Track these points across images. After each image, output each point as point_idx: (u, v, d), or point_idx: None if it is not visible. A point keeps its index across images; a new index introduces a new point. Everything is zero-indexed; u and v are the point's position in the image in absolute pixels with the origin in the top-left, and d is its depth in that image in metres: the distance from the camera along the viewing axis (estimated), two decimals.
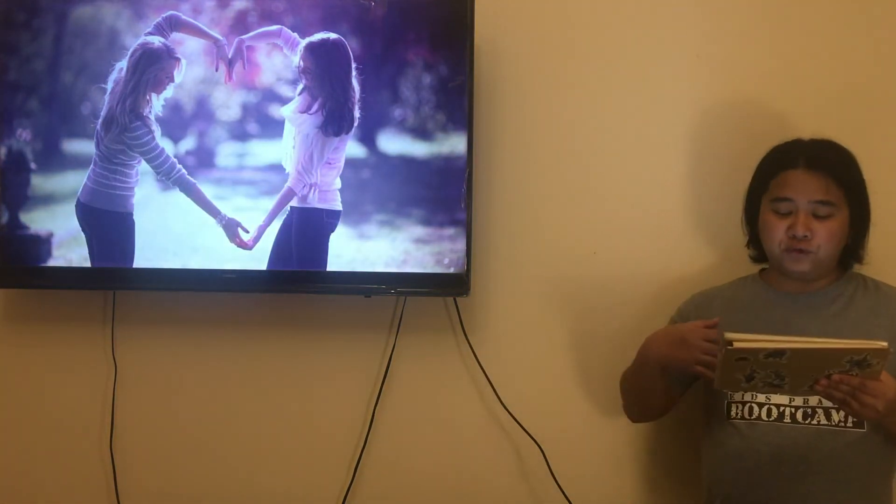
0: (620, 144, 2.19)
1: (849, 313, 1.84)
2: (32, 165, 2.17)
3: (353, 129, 2.09)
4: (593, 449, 2.21)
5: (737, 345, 1.50)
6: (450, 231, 2.09)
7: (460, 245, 2.08)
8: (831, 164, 1.83)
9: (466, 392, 2.24)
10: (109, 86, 2.13)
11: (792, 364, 1.54)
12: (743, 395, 1.82)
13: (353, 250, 2.11)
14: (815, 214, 1.81)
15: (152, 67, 2.11)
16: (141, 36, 2.12)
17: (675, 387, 1.94)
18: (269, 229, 2.12)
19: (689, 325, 1.82)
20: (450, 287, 2.11)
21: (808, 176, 1.82)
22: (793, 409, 1.80)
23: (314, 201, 2.11)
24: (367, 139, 2.10)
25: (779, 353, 1.52)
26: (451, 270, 2.09)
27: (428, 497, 2.25)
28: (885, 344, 1.52)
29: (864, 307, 1.85)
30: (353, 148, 2.10)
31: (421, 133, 2.09)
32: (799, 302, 1.87)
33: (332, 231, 2.11)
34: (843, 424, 1.77)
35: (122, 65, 2.12)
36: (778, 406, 1.81)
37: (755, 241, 1.94)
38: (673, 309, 2.00)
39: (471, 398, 2.23)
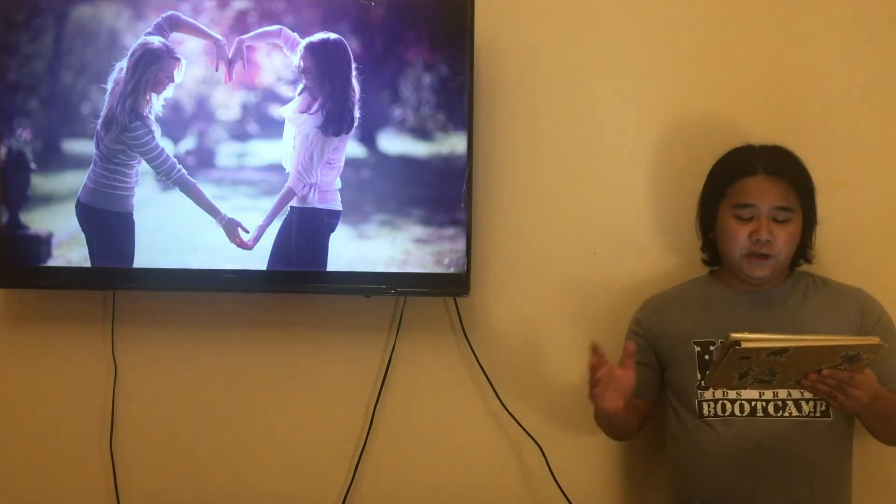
0: (620, 144, 2.20)
1: (805, 309, 1.91)
2: (32, 165, 2.17)
3: (353, 129, 2.09)
4: (593, 449, 2.21)
5: (744, 345, 1.53)
6: (450, 231, 2.09)
7: (460, 245, 2.08)
8: (789, 170, 1.89)
9: (466, 392, 2.24)
10: (109, 86, 2.13)
11: (789, 361, 1.57)
12: (713, 392, 1.88)
13: (353, 250, 2.11)
14: (774, 219, 1.86)
15: (152, 67, 2.11)
16: (141, 36, 2.12)
17: (644, 395, 2.00)
18: (269, 229, 2.12)
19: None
20: (450, 287, 2.11)
21: (769, 182, 1.87)
22: (764, 403, 1.85)
23: (314, 201, 2.11)
24: (367, 139, 2.10)
25: (781, 351, 1.54)
26: (451, 270, 2.09)
27: (428, 497, 2.26)
28: (878, 339, 1.57)
29: (819, 303, 1.92)
30: (353, 148, 2.10)
31: (421, 133, 2.09)
32: (755, 300, 1.93)
33: (333, 231, 2.11)
34: (812, 415, 1.84)
35: (122, 65, 2.12)
36: (750, 401, 1.86)
37: (708, 246, 2.00)
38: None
39: (471, 398, 2.23)
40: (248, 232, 2.12)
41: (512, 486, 2.23)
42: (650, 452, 2.18)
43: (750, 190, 1.87)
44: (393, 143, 2.10)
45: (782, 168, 1.89)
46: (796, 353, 1.55)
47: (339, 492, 2.27)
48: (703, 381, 1.89)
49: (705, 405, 1.88)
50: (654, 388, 2.02)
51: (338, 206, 2.11)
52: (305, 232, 2.12)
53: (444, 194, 2.09)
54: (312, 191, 2.10)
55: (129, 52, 2.12)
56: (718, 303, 1.95)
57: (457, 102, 2.07)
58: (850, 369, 1.61)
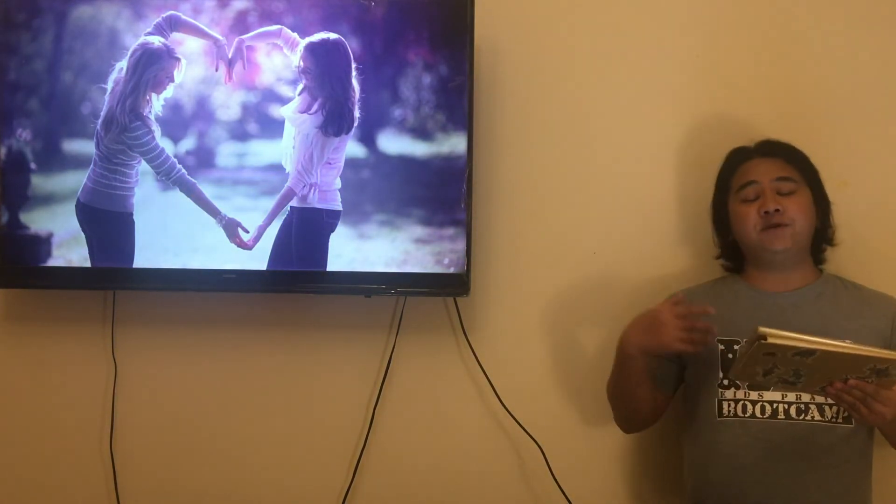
0: (620, 144, 2.20)
1: (833, 312, 1.89)
2: (32, 165, 2.17)
3: (353, 129, 2.09)
4: (593, 449, 2.21)
5: (771, 340, 1.51)
6: (450, 231, 2.09)
7: (460, 245, 2.08)
8: (783, 149, 1.95)
9: (466, 392, 2.23)
10: (109, 86, 2.13)
11: (815, 364, 1.54)
12: (735, 392, 1.86)
13: (353, 250, 2.11)
14: (779, 192, 1.89)
15: (152, 67, 2.11)
16: (141, 36, 2.12)
17: (662, 386, 1.98)
18: (269, 229, 2.12)
19: (660, 306, 1.85)
20: (450, 287, 2.11)
21: (766, 160, 1.94)
22: (786, 406, 1.83)
23: (314, 201, 2.11)
24: (367, 139, 2.10)
25: (809, 352, 1.52)
26: (451, 270, 2.09)
27: (428, 497, 2.26)
28: None
29: (849, 306, 1.90)
30: (353, 148, 2.10)
31: (421, 133, 2.09)
32: (783, 300, 1.91)
33: (332, 231, 2.11)
34: (834, 420, 1.82)
35: (122, 65, 2.12)
36: (771, 403, 1.83)
37: (726, 250, 2.01)
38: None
39: (471, 398, 2.23)
40: (248, 232, 2.12)
41: (512, 486, 2.23)
42: (650, 453, 2.19)
43: (749, 170, 1.93)
44: (393, 143, 2.10)
45: (776, 148, 1.96)
46: (823, 357, 1.52)
47: (339, 491, 2.27)
48: (723, 379, 1.86)
49: (725, 404, 1.86)
50: (675, 382, 1.99)
51: (338, 205, 2.11)
52: (305, 232, 2.12)
53: (444, 194, 2.09)
54: (312, 191, 2.10)
55: (129, 52, 2.12)
56: (746, 301, 1.93)
57: (457, 102, 2.07)
58: (877, 383, 1.58)
